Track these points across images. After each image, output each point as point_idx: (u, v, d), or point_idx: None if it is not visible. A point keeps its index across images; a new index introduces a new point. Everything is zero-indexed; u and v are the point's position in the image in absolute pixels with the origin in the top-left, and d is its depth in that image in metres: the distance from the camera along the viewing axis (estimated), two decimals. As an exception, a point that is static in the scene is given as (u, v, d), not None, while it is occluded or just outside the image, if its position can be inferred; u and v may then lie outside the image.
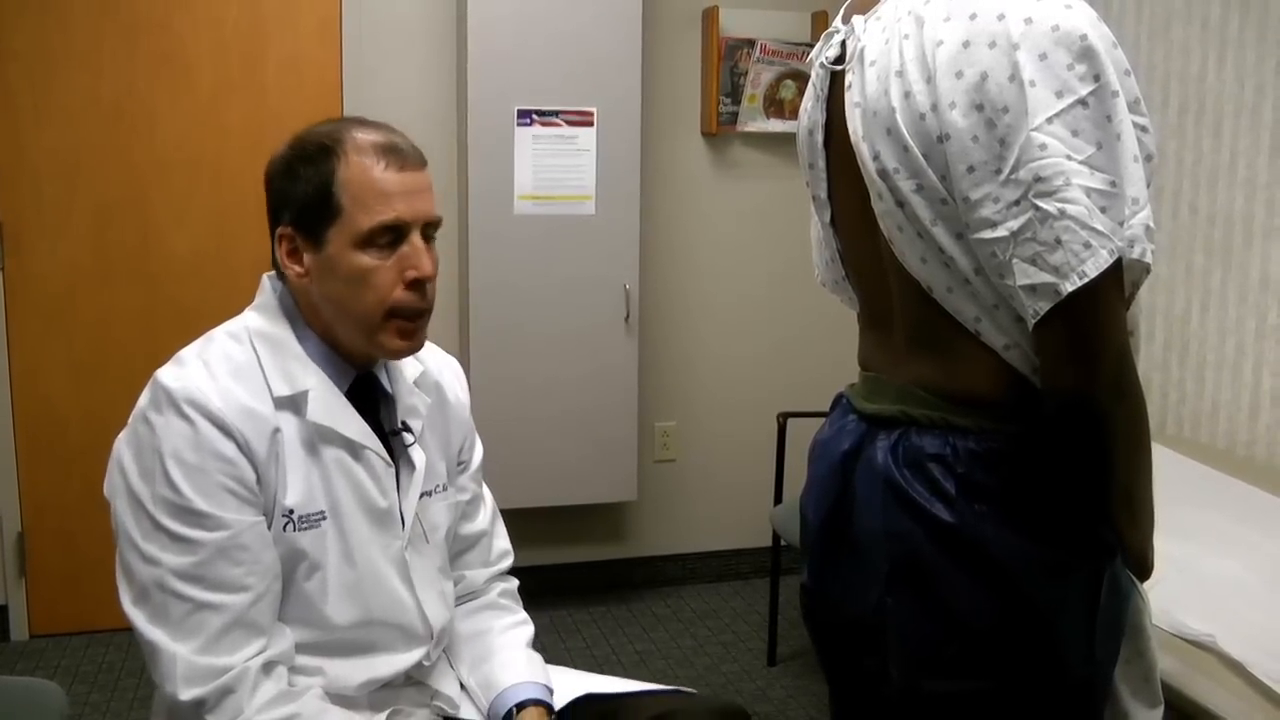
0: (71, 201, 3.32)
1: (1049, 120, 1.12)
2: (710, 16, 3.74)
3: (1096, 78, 1.13)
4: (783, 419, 3.41)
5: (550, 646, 3.36)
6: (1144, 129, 1.17)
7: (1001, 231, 1.16)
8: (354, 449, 1.47)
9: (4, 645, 3.39)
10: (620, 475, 3.66)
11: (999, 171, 1.15)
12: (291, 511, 1.42)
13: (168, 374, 1.40)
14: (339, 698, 1.46)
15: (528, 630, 1.70)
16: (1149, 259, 1.15)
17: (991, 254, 1.18)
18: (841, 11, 1.39)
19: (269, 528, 1.41)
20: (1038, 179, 1.13)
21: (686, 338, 3.92)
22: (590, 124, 3.46)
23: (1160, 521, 1.31)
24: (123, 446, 1.41)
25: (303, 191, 1.43)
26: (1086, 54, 1.13)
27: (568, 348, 3.53)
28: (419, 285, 1.43)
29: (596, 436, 3.59)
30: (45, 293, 3.33)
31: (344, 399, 1.48)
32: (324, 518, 1.45)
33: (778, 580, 3.40)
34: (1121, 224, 1.13)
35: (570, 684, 1.66)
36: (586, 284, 3.52)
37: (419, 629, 1.53)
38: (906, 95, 1.21)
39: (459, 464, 1.68)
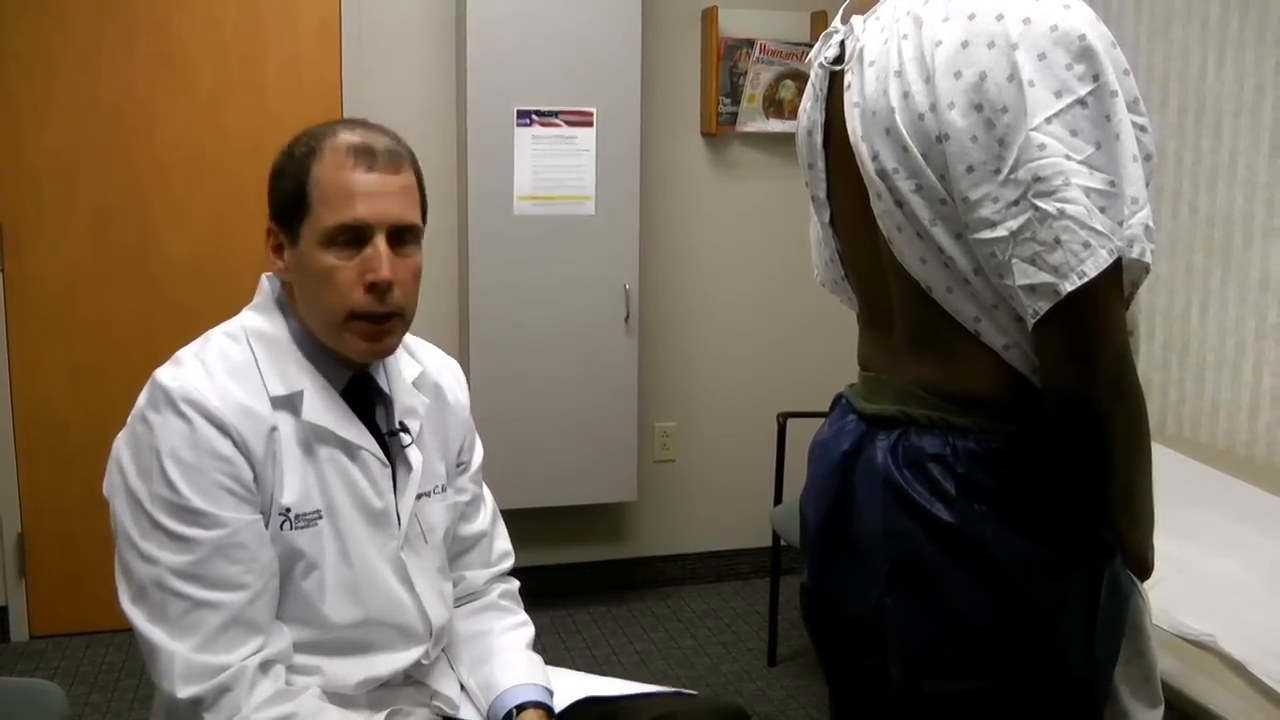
0: (71, 202, 3.32)
1: (1048, 120, 1.12)
2: (709, 16, 3.74)
3: (1095, 77, 1.13)
4: (782, 419, 3.41)
5: (550, 647, 3.36)
6: (1143, 129, 1.17)
7: (1001, 231, 1.16)
8: (349, 449, 1.48)
9: (4, 646, 3.39)
10: (620, 475, 3.66)
11: (998, 171, 1.15)
12: (288, 510, 1.42)
13: (166, 374, 1.41)
14: (337, 697, 1.46)
15: (528, 632, 1.70)
16: (1148, 259, 1.15)
17: (991, 254, 1.18)
18: (840, 12, 1.39)
19: (266, 526, 1.41)
20: (1037, 179, 1.13)
21: (686, 338, 3.92)
22: (590, 124, 3.46)
23: (1160, 521, 1.31)
24: (122, 446, 1.42)
25: (284, 188, 1.46)
26: (1085, 54, 1.13)
27: (567, 348, 3.53)
28: (377, 289, 1.42)
29: (596, 437, 3.59)
30: (45, 293, 3.33)
31: (339, 399, 1.49)
32: (320, 517, 1.45)
33: (778, 580, 3.40)
34: (1121, 224, 1.13)
35: (571, 686, 1.66)
36: (586, 284, 3.52)
37: (417, 628, 1.53)
38: (905, 95, 1.21)
39: (458, 465, 1.68)
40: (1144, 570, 1.31)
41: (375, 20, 3.49)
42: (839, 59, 1.35)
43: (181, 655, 1.33)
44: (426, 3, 3.53)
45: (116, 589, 1.41)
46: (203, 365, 1.42)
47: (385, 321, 1.45)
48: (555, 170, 3.45)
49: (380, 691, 1.52)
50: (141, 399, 1.42)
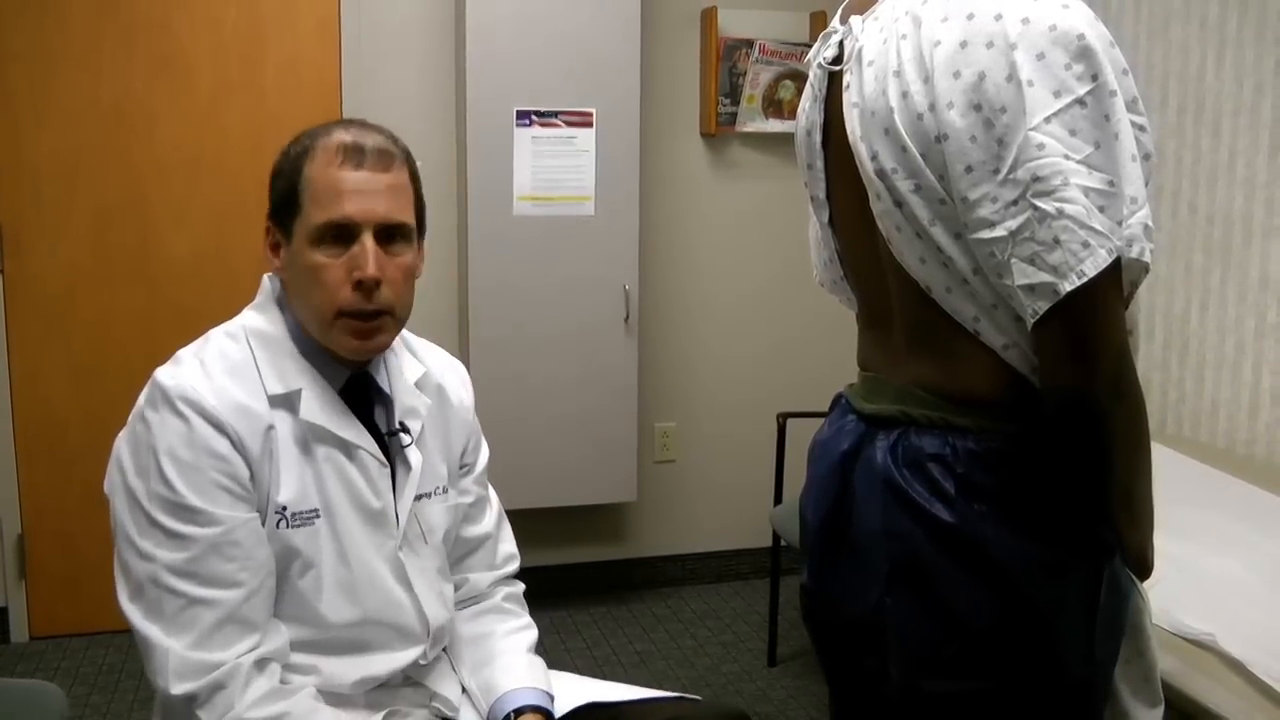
0: (71, 203, 3.32)
1: (1047, 120, 1.12)
2: (709, 17, 3.74)
3: (1094, 77, 1.13)
4: (782, 419, 3.41)
5: (550, 647, 3.36)
6: (1142, 128, 1.17)
7: (1000, 231, 1.16)
8: (347, 448, 1.48)
9: (4, 647, 3.39)
10: (620, 476, 3.66)
11: (997, 171, 1.16)
12: (284, 509, 1.43)
13: (165, 372, 1.42)
14: (334, 696, 1.47)
15: (531, 635, 1.69)
16: (1148, 258, 1.15)
17: (990, 254, 1.18)
18: (839, 12, 1.39)
19: (263, 524, 1.41)
20: (1036, 178, 1.13)
21: (686, 338, 3.92)
22: (589, 125, 3.46)
23: (1160, 521, 1.31)
24: (122, 444, 1.43)
25: (280, 187, 1.48)
26: (1084, 53, 1.14)
27: (567, 348, 3.53)
28: (364, 287, 1.42)
29: (596, 437, 3.59)
30: (45, 294, 3.33)
31: (337, 398, 1.49)
32: (317, 516, 1.45)
33: (778, 581, 3.40)
34: (1120, 223, 1.13)
35: (572, 691, 1.65)
36: (586, 285, 3.53)
37: (415, 628, 1.53)
38: (904, 95, 1.22)
39: (462, 467, 1.68)
40: (1144, 570, 1.31)
41: (375, 20, 3.49)
42: (838, 59, 1.35)
43: (176, 652, 1.34)
44: (426, 3, 3.53)
45: (115, 587, 1.41)
46: (201, 364, 1.43)
47: (373, 319, 1.45)
48: (555, 171, 3.45)
49: (378, 692, 1.52)
50: (142, 398, 1.43)
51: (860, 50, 1.29)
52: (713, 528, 4.02)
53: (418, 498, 1.56)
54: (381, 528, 1.51)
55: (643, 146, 3.56)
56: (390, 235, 1.45)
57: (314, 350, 1.49)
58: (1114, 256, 1.12)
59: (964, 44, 1.17)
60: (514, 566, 1.76)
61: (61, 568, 3.41)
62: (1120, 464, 1.22)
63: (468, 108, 3.39)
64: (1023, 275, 1.15)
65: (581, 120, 3.46)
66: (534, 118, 3.42)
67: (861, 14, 1.33)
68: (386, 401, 1.56)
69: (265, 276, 1.54)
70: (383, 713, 1.50)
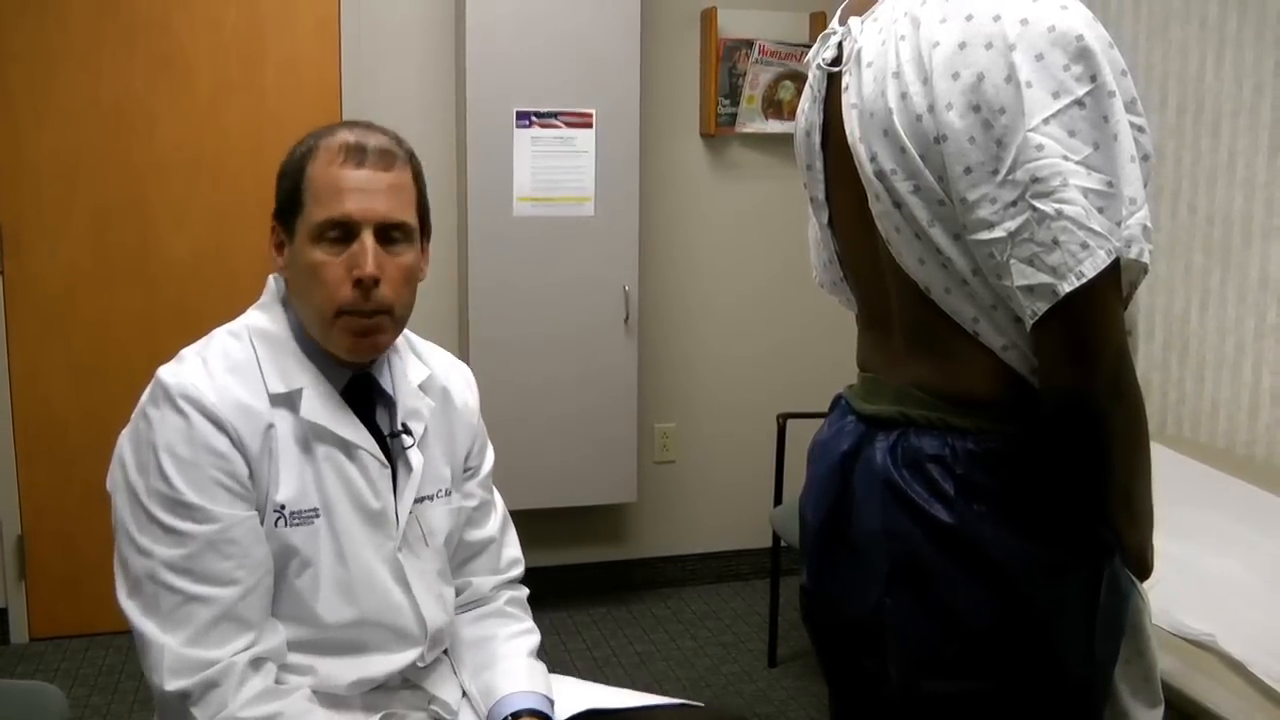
0: (71, 203, 3.32)
1: (1046, 121, 1.13)
2: (709, 17, 3.74)
3: (1093, 78, 1.13)
4: (782, 420, 3.41)
5: (550, 648, 3.36)
6: (1141, 129, 1.17)
7: (999, 232, 1.16)
8: (347, 448, 1.48)
9: (4, 648, 3.39)
10: (620, 476, 3.66)
11: (996, 172, 1.16)
12: (283, 507, 1.43)
13: (167, 370, 1.43)
14: (330, 697, 1.46)
15: (532, 639, 1.68)
16: (1147, 259, 1.15)
17: (989, 255, 1.18)
18: (838, 13, 1.39)
19: (261, 523, 1.42)
20: (1035, 179, 1.13)
21: (686, 339, 3.92)
22: (589, 125, 3.46)
23: (1160, 521, 1.31)
24: (124, 441, 1.44)
25: (284, 186, 1.48)
26: (1083, 54, 1.14)
27: (567, 349, 3.53)
28: (362, 285, 1.42)
29: (596, 438, 3.59)
30: (45, 294, 3.33)
31: (338, 398, 1.49)
32: (317, 515, 1.45)
33: (778, 581, 3.40)
34: (1119, 224, 1.13)
35: (574, 696, 1.65)
36: (586, 285, 3.53)
37: (413, 630, 1.53)
38: (903, 96, 1.22)
39: (466, 470, 1.67)
40: (1143, 570, 1.31)
41: (374, 21, 3.49)
42: (837, 60, 1.35)
43: (171, 648, 1.34)
44: (426, 3, 3.53)
45: (114, 583, 1.42)
46: (203, 362, 1.44)
47: (372, 319, 1.45)
48: (554, 171, 3.45)
49: (375, 694, 1.52)
50: (144, 395, 1.44)
51: (859, 51, 1.29)
52: (713, 528, 4.02)
53: (419, 500, 1.56)
54: (381, 528, 1.51)
55: (642, 147, 3.56)
56: (391, 235, 1.45)
57: (316, 350, 1.49)
58: (1113, 257, 1.12)
59: (963, 45, 1.17)
60: (518, 571, 1.76)
61: (61, 568, 3.41)
62: (1120, 464, 1.22)
63: (467, 108, 3.39)
64: (1022, 276, 1.15)
65: (581, 121, 3.46)
66: (534, 118, 3.42)
67: (860, 15, 1.33)
68: (389, 403, 1.56)
69: (271, 276, 1.55)
70: (380, 715, 1.50)
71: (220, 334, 1.50)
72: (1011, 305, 1.20)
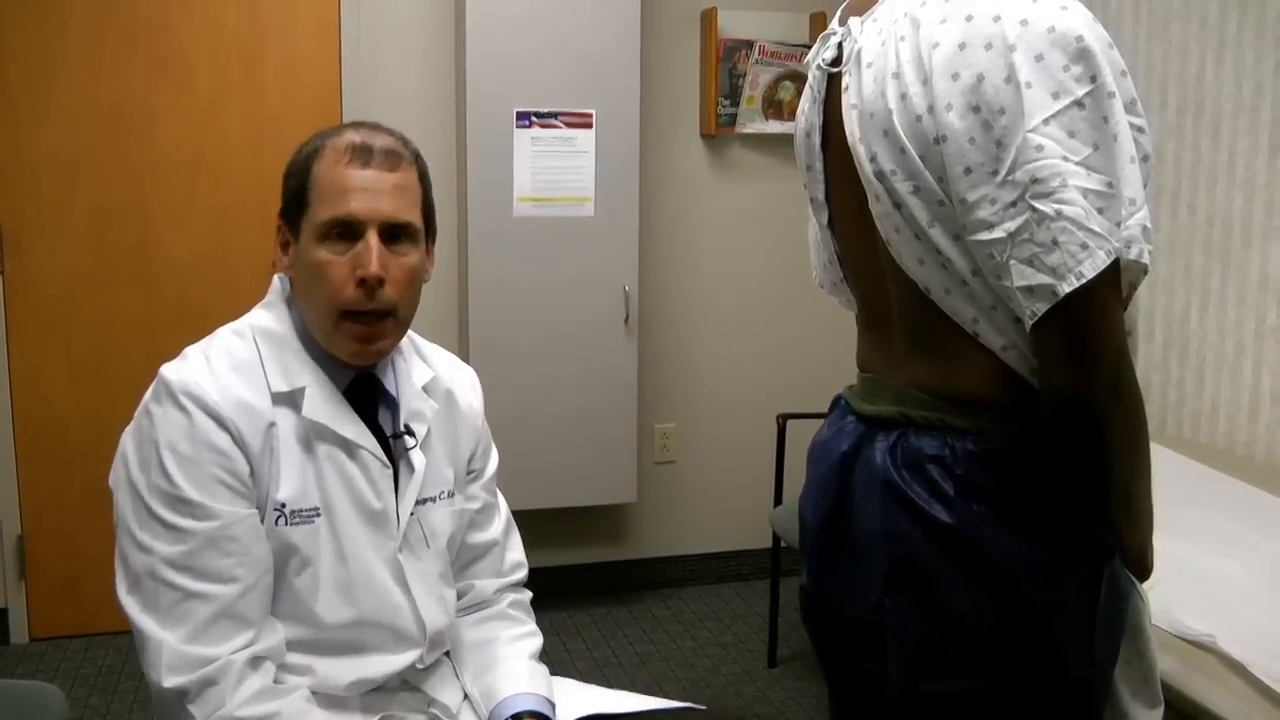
0: (71, 203, 3.32)
1: (1045, 121, 1.13)
2: (709, 18, 3.74)
3: (1093, 79, 1.13)
4: (782, 420, 3.41)
5: (550, 649, 3.35)
6: (1140, 129, 1.17)
7: (999, 233, 1.16)
8: (349, 447, 1.48)
9: (4, 648, 3.39)
10: (620, 477, 3.66)
11: (996, 173, 1.16)
12: (283, 506, 1.43)
13: (170, 368, 1.44)
14: (328, 698, 1.46)
15: (534, 642, 1.68)
16: (1146, 259, 1.15)
17: (989, 255, 1.18)
18: (838, 14, 1.39)
19: (262, 521, 1.42)
20: (1034, 180, 1.13)
21: (686, 339, 3.92)
22: (589, 126, 3.46)
23: (1160, 521, 1.31)
24: (127, 438, 1.44)
25: (290, 186, 1.49)
26: (1082, 55, 1.14)
27: (567, 349, 3.53)
28: (366, 284, 1.42)
29: (596, 438, 3.59)
30: (45, 294, 3.33)
31: (341, 398, 1.49)
32: (318, 514, 1.45)
33: (778, 582, 3.40)
34: (1119, 225, 1.13)
35: (576, 700, 1.65)
36: (586, 286, 3.53)
37: (412, 631, 1.53)
38: (903, 97, 1.22)
39: (469, 472, 1.67)
40: (1143, 571, 1.31)
41: (374, 21, 3.49)
42: (837, 61, 1.35)
43: (170, 645, 1.34)
44: (426, 3, 3.53)
45: (115, 580, 1.42)
46: (206, 360, 1.44)
47: (377, 322, 1.45)
48: (555, 172, 3.45)
49: (374, 695, 1.52)
50: (148, 392, 1.44)
51: (859, 52, 1.29)
52: (713, 529, 4.02)
53: (421, 501, 1.56)
54: (381, 529, 1.51)
55: (642, 147, 3.56)
56: (395, 235, 1.46)
57: (320, 349, 1.49)
58: (1112, 258, 1.12)
59: (962, 46, 1.17)
60: (521, 575, 1.75)
61: (61, 569, 3.41)
62: (1119, 465, 1.22)
63: (467, 108, 3.39)
64: (1021, 277, 1.15)
65: (581, 121, 3.46)
66: (534, 119, 3.42)
67: (860, 16, 1.33)
68: (392, 404, 1.56)
69: (276, 276, 1.56)
70: (378, 717, 1.50)
71: (224, 332, 1.50)
72: (1011, 306, 1.20)
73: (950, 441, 1.25)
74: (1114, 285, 1.15)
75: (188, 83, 3.37)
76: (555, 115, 3.43)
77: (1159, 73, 3.13)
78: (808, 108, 1.41)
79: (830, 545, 1.40)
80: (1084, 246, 1.12)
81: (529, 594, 1.76)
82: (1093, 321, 1.15)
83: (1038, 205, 1.13)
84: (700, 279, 3.91)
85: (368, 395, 1.54)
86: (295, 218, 1.47)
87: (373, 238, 1.43)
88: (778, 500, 3.42)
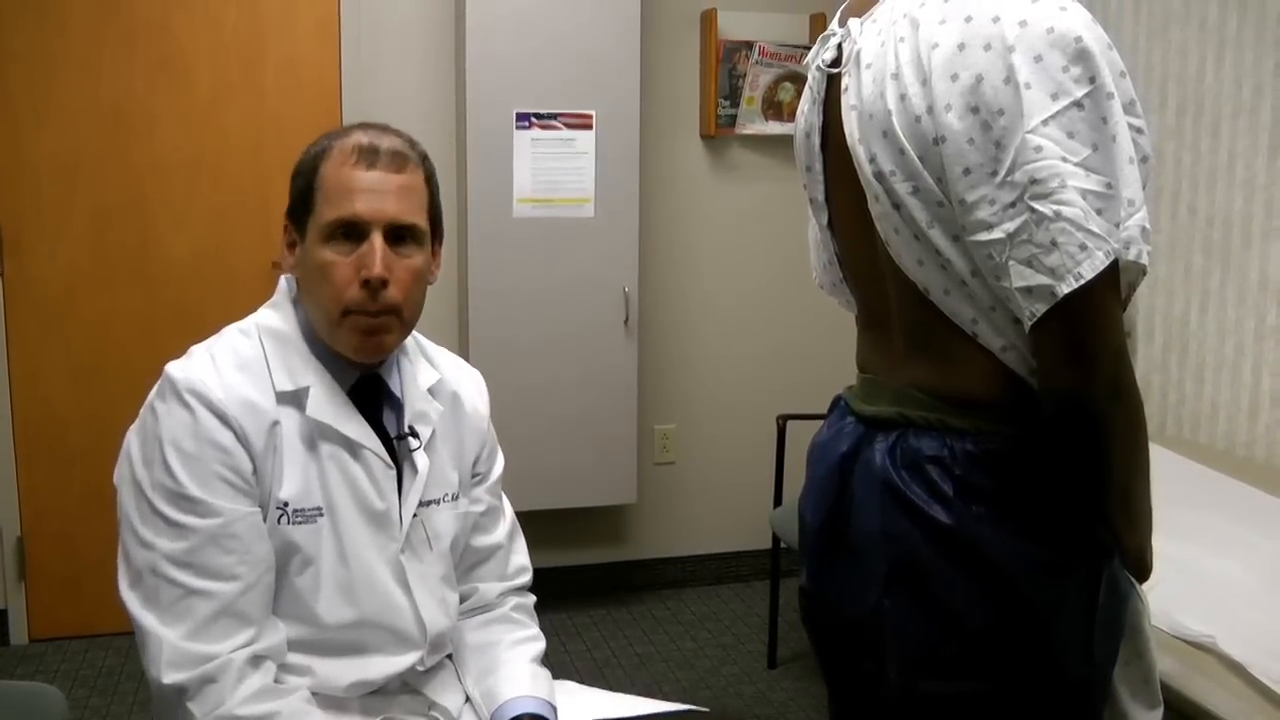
0: (71, 204, 3.32)
1: (1044, 122, 1.13)
2: (709, 19, 3.74)
3: (1092, 80, 1.13)
4: (782, 421, 3.41)
5: (551, 650, 3.34)
6: (1140, 130, 1.17)
7: (998, 234, 1.16)
8: (352, 448, 1.48)
9: (4, 649, 3.39)
10: (620, 478, 3.66)
11: (995, 174, 1.16)
12: (286, 504, 1.43)
13: (175, 366, 1.44)
14: (328, 699, 1.46)
15: (537, 646, 1.68)
16: (1145, 260, 1.15)
17: (988, 256, 1.18)
18: (838, 14, 1.39)
19: (264, 520, 1.42)
20: (1033, 181, 1.13)
21: (686, 340, 3.92)
22: (589, 127, 3.46)
23: (1160, 522, 1.31)
24: (131, 435, 1.45)
25: (297, 186, 1.49)
26: (1081, 56, 1.14)
27: (567, 350, 3.53)
28: (370, 285, 1.42)
29: (596, 439, 3.59)
30: (45, 295, 3.33)
31: (345, 398, 1.49)
32: (320, 514, 1.45)
33: (778, 583, 3.40)
34: (1118, 225, 1.13)
35: (579, 704, 1.64)
36: (586, 287, 3.53)
37: (412, 633, 1.52)
38: (902, 98, 1.22)
39: (474, 475, 1.67)
40: (1142, 572, 1.31)
41: (374, 21, 3.49)
42: (836, 62, 1.35)
43: (170, 642, 1.35)
44: (426, 4, 3.53)
45: (116, 576, 1.42)
46: (211, 359, 1.45)
47: (379, 318, 1.45)
48: (554, 173, 3.45)
49: (374, 698, 1.52)
50: (153, 390, 1.45)
51: (859, 53, 1.29)
52: (713, 530, 4.02)
53: (425, 503, 1.55)
54: (384, 529, 1.50)
55: (642, 148, 3.56)
56: (400, 236, 1.46)
57: (325, 349, 1.50)
58: (1111, 259, 1.12)
59: (962, 46, 1.17)
60: (525, 579, 1.75)
61: (61, 569, 3.41)
62: (1119, 466, 1.22)
63: (467, 109, 3.39)
64: (1020, 277, 1.15)
65: (581, 122, 3.46)
66: (534, 119, 3.42)
67: (860, 17, 1.33)
68: (397, 405, 1.56)
69: (283, 276, 1.56)
70: (378, 719, 1.50)
71: (230, 331, 1.51)
72: (1010, 306, 1.20)
73: (949, 442, 1.25)
74: (1113, 286, 1.15)
75: (188, 83, 3.37)
76: (555, 116, 3.43)
77: (1159, 74, 3.13)
78: (807, 109, 1.41)
79: (829, 546, 1.40)
80: (1083, 247, 1.12)
81: (533, 598, 1.76)
82: (1092, 322, 1.15)
83: (1036, 206, 1.13)
84: (700, 280, 3.91)
85: (372, 396, 1.54)
86: (301, 218, 1.48)
87: (377, 239, 1.43)
88: (777, 501, 3.42)
